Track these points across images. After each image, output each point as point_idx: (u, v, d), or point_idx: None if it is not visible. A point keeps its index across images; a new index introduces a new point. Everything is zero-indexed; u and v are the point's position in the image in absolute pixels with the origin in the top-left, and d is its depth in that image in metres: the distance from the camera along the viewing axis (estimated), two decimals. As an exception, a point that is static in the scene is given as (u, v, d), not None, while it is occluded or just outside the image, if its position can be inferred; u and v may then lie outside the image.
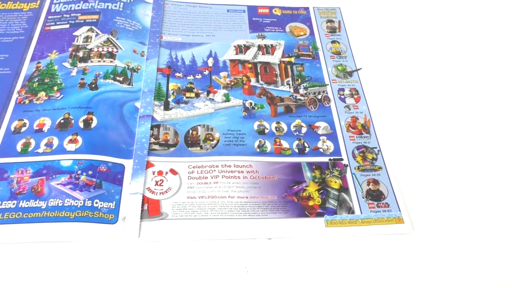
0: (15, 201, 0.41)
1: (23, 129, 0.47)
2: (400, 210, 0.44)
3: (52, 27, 0.57)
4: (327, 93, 0.54)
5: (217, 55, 0.57)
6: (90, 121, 0.47)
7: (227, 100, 0.53)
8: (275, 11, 0.64)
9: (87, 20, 0.57)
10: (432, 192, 0.46)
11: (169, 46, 0.57)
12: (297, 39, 0.60)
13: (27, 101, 0.49)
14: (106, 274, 0.38)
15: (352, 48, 0.59)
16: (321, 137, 0.50)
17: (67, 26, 0.57)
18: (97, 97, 0.50)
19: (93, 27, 0.56)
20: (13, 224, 0.40)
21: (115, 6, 0.59)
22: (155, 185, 0.44)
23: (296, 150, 0.48)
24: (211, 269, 0.39)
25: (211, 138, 0.48)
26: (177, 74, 0.54)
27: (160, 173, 0.45)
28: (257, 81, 0.55)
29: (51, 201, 0.41)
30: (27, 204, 0.41)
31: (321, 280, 0.39)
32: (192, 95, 0.53)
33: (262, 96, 0.53)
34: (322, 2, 0.65)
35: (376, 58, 0.59)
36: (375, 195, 0.45)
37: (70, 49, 0.54)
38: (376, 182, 0.46)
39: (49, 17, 0.58)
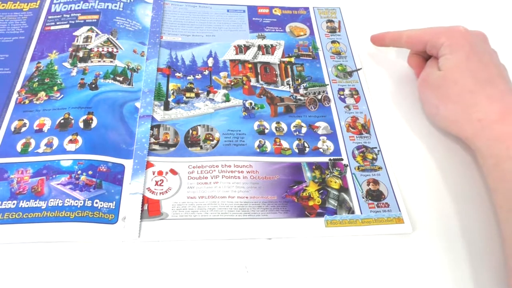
0: (15, 201, 0.41)
1: (23, 129, 0.47)
2: (400, 210, 0.44)
3: (52, 27, 0.57)
4: (327, 93, 0.54)
5: (217, 55, 0.57)
6: (90, 121, 0.47)
7: (227, 100, 0.53)
8: (275, 11, 0.64)
9: (87, 20, 0.57)
10: (432, 192, 0.46)
11: (169, 46, 0.57)
12: (297, 39, 0.60)
13: (27, 101, 0.49)
14: (106, 274, 0.38)
15: (352, 48, 0.59)
16: (321, 137, 0.50)
17: (67, 26, 0.57)
18: (97, 97, 0.50)
19: (93, 27, 0.56)
20: (13, 224, 0.40)
21: (115, 6, 0.59)
22: (155, 185, 0.44)
23: (296, 150, 0.48)
24: (211, 269, 0.39)
25: (211, 138, 0.48)
26: (177, 74, 0.54)
27: (160, 173, 0.45)
28: (257, 81, 0.55)
29: (51, 201, 0.41)
30: (27, 204, 0.41)
31: (321, 280, 0.39)
32: (192, 95, 0.53)
33: (262, 96, 0.53)
34: (322, 2, 0.65)
35: (376, 58, 0.59)
36: (375, 195, 0.45)
37: (70, 49, 0.54)
38: (376, 182, 0.46)
39: (49, 17, 0.58)
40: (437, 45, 0.48)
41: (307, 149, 0.48)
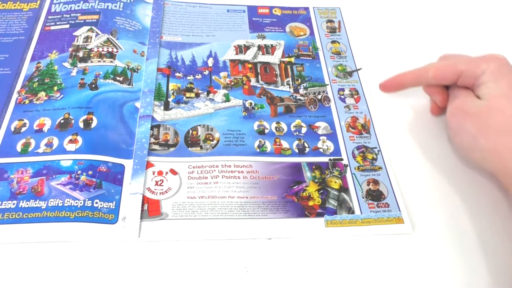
0: (15, 201, 0.41)
1: (23, 129, 0.47)
2: (400, 210, 0.44)
3: (52, 27, 0.57)
4: (327, 93, 0.54)
5: (217, 55, 0.57)
6: (90, 121, 0.47)
7: (227, 100, 0.53)
8: (275, 11, 0.64)
9: (87, 20, 0.57)
10: (432, 192, 0.46)
11: (169, 46, 0.57)
12: (297, 39, 0.60)
13: (27, 101, 0.49)
14: (106, 274, 0.38)
15: (352, 48, 0.59)
16: (321, 137, 0.50)
17: (67, 26, 0.57)
18: (97, 97, 0.50)
19: (93, 27, 0.56)
20: (13, 224, 0.40)
21: (115, 6, 0.59)
22: (155, 185, 0.44)
23: (296, 150, 0.48)
24: (211, 269, 0.39)
25: (211, 138, 0.48)
26: (177, 74, 0.54)
27: (160, 173, 0.45)
28: (257, 81, 0.55)
29: (51, 201, 0.41)
30: (27, 204, 0.41)
31: (321, 280, 0.39)
32: (192, 95, 0.53)
33: (262, 96, 0.53)
34: (322, 2, 0.65)
35: (376, 58, 0.59)
36: (375, 195, 0.45)
37: (70, 49, 0.54)
38: (376, 182, 0.46)
39: (49, 17, 0.58)
40: (476, 74, 0.44)
41: (307, 149, 0.48)
